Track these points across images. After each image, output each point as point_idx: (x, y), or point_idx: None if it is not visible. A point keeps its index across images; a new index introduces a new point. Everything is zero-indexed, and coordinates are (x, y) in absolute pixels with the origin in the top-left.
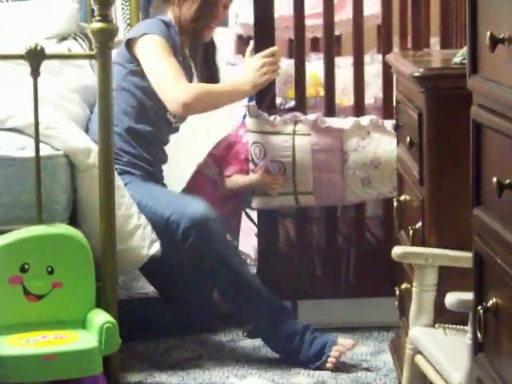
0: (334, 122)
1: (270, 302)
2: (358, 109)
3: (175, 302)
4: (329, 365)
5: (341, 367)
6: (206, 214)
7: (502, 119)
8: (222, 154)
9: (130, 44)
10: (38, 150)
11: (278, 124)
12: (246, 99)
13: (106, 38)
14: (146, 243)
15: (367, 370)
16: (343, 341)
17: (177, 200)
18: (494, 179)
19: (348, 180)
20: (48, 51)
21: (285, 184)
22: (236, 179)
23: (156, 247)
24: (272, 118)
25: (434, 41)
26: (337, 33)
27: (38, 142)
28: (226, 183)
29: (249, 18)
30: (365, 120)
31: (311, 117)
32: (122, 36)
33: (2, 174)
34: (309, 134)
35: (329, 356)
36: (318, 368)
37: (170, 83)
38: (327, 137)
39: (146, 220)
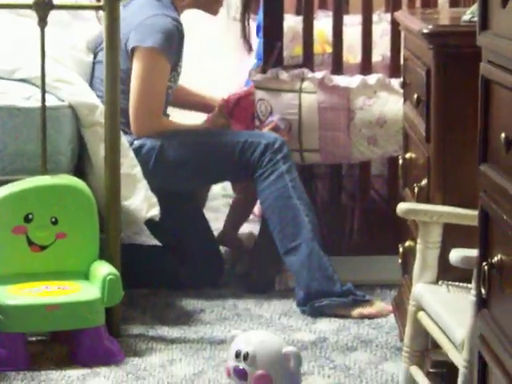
0: (340, 81)
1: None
2: (366, 67)
3: (180, 255)
4: (354, 313)
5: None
6: (282, 139)
7: None
8: (230, 109)
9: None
10: (43, 99)
11: (284, 80)
12: (254, 55)
13: None
14: (144, 206)
15: (369, 326)
16: (380, 305)
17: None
18: (503, 135)
19: (354, 138)
20: (56, 1)
21: (291, 141)
22: None
23: (155, 211)
24: (279, 73)
25: (442, 0)
26: None
27: (44, 91)
28: None
29: None
30: (372, 79)
31: (318, 75)
32: None
33: (7, 123)
34: (315, 92)
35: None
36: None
37: (143, 111)
38: (334, 95)
39: (147, 184)
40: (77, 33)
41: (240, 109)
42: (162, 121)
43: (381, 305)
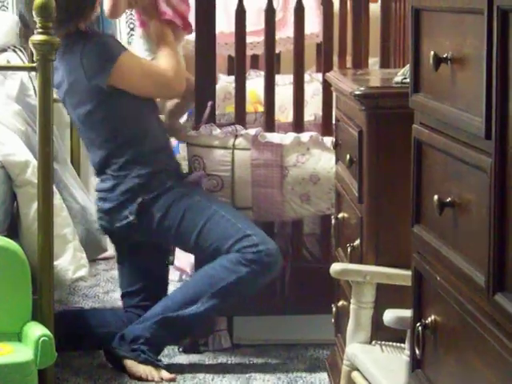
0: (274, 138)
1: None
2: (298, 125)
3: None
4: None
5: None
6: (280, 256)
7: (444, 137)
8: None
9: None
10: None
11: (217, 137)
12: (186, 114)
13: (47, 50)
14: (71, 267)
15: None
16: (163, 373)
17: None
18: (435, 197)
19: (287, 195)
20: None
21: (223, 199)
22: None
23: (82, 272)
24: (212, 129)
25: (373, 61)
26: (276, 51)
27: None
28: None
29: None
30: (305, 136)
31: (251, 131)
32: (125, 40)
33: None
34: (248, 149)
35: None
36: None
37: (167, 83)
38: (267, 152)
39: (78, 243)
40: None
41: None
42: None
43: (165, 373)
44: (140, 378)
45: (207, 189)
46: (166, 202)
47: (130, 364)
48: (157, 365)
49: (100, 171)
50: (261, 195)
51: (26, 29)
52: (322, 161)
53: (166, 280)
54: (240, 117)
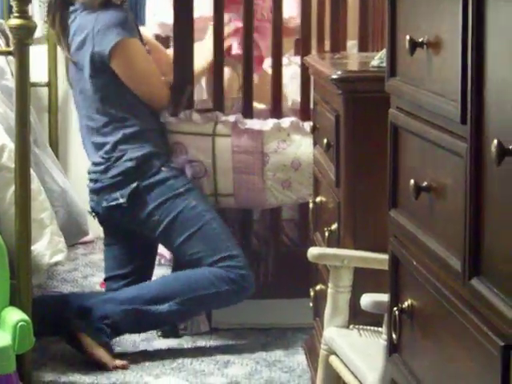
0: (254, 124)
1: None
2: (276, 111)
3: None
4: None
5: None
6: (253, 285)
7: (420, 122)
8: None
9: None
10: None
11: (197, 123)
12: None
13: (24, 34)
14: (48, 252)
15: (281, 370)
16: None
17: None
18: (412, 181)
19: (268, 182)
20: None
21: (206, 185)
22: None
23: (59, 257)
24: (193, 115)
25: (351, 44)
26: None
27: None
28: None
29: (167, 17)
30: (285, 122)
31: (231, 118)
32: (40, 33)
33: None
34: (229, 135)
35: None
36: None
37: (156, 94)
38: (247, 138)
39: (56, 227)
40: None
41: None
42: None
43: (118, 361)
44: (95, 360)
45: (191, 175)
46: (160, 195)
47: (89, 342)
48: (112, 350)
49: (92, 147)
50: (242, 182)
51: None
52: (303, 146)
53: (152, 266)
54: (218, 102)
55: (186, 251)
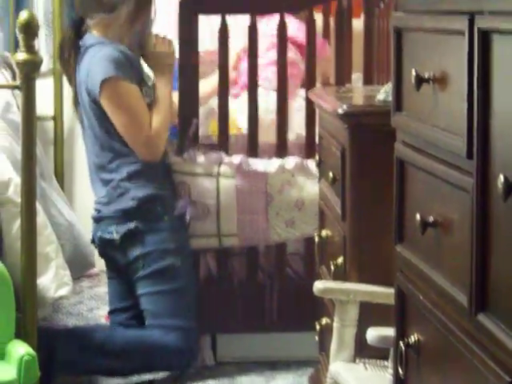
0: (258, 165)
1: None
2: (281, 148)
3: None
4: None
5: None
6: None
7: (426, 157)
8: None
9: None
10: None
11: (202, 165)
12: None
13: (31, 69)
14: (53, 285)
15: None
16: None
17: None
18: (418, 216)
19: (272, 221)
20: None
21: (208, 226)
22: None
23: (64, 291)
24: (197, 156)
25: (356, 76)
26: None
27: None
28: None
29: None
30: (290, 163)
31: (235, 159)
32: (46, 68)
33: None
34: (233, 177)
35: None
36: None
37: (142, 141)
38: (252, 179)
39: (62, 260)
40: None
41: None
42: (157, 134)
43: None
44: None
45: (192, 217)
46: (153, 244)
47: None
48: None
49: (98, 182)
50: (246, 222)
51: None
52: (308, 187)
53: None
54: (223, 141)
55: (145, 300)
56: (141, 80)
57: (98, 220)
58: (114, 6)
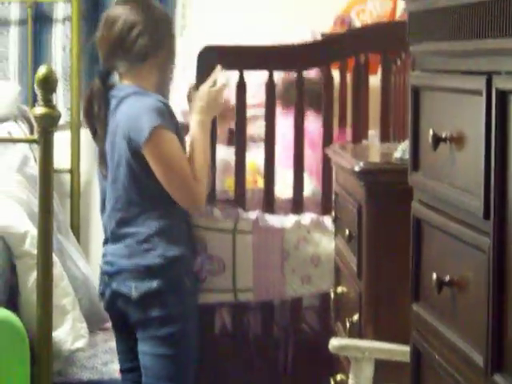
0: (274, 221)
1: None
2: (297, 204)
3: None
4: None
5: None
6: None
7: (442, 216)
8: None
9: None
10: None
11: (219, 220)
12: None
13: (49, 123)
14: (69, 338)
15: None
16: None
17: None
18: (434, 275)
19: (288, 277)
20: None
21: (224, 281)
22: None
23: (80, 343)
24: (213, 211)
25: (372, 133)
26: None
27: None
28: None
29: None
30: (306, 219)
31: (252, 215)
32: (63, 121)
33: None
34: (250, 232)
35: None
36: None
37: (187, 192)
38: (268, 236)
39: (79, 313)
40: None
41: None
42: (199, 183)
43: None
44: None
45: (208, 271)
46: (170, 306)
47: None
48: None
49: (118, 236)
50: (262, 277)
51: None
52: (324, 243)
53: None
54: (240, 196)
55: (152, 363)
56: (178, 134)
57: (113, 273)
58: (146, 55)
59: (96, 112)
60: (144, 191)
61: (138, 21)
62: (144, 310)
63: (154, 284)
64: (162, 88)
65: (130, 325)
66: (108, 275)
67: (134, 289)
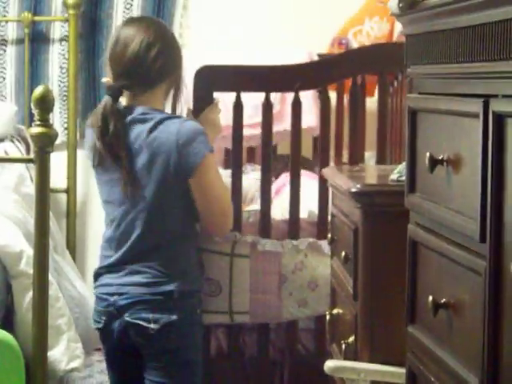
0: (271, 246)
1: None
2: (294, 227)
3: None
4: None
5: None
6: None
7: (439, 239)
8: None
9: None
10: None
11: (217, 243)
12: None
13: (45, 142)
14: (65, 358)
15: None
16: None
17: None
18: (430, 298)
19: (285, 301)
20: None
21: (220, 303)
22: None
23: (75, 364)
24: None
25: (368, 155)
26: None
27: None
28: None
29: None
30: (303, 243)
31: (249, 239)
32: (59, 140)
33: None
34: (247, 256)
35: None
36: None
37: (225, 212)
38: (265, 260)
39: (74, 333)
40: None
41: None
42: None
43: None
44: None
45: (205, 293)
46: (185, 338)
47: None
48: None
49: (132, 265)
50: (258, 301)
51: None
52: (321, 267)
53: None
54: (236, 219)
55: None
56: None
57: (125, 305)
58: (164, 75)
59: (112, 131)
60: (169, 218)
61: (156, 41)
62: (161, 341)
63: (174, 317)
64: (175, 108)
65: (140, 356)
66: (116, 307)
67: (152, 322)
